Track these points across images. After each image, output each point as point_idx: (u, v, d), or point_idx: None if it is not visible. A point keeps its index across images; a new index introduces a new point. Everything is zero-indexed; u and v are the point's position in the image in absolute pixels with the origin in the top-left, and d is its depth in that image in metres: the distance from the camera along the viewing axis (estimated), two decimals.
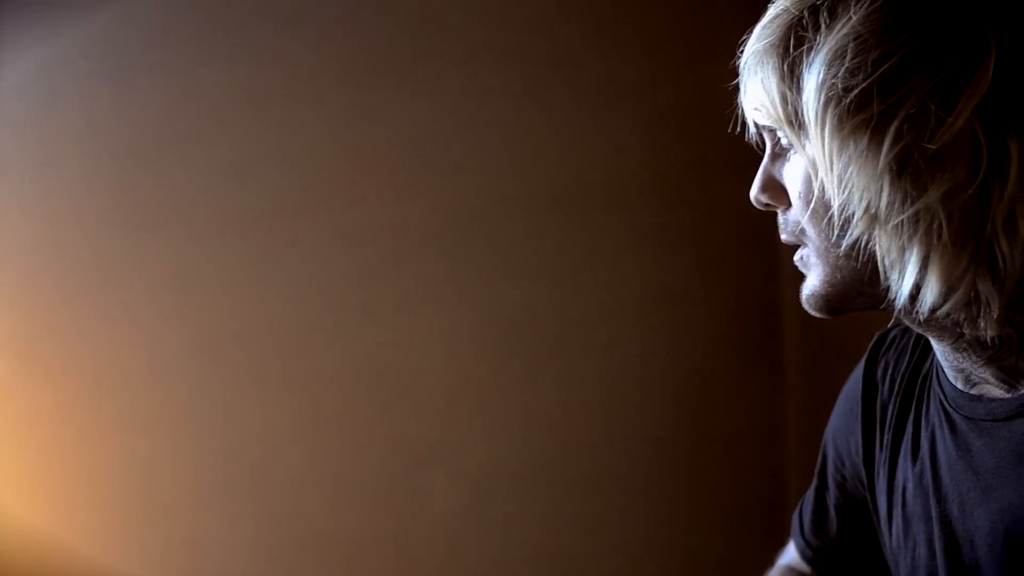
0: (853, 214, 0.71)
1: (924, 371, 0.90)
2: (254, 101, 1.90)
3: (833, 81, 0.70)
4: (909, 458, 0.88)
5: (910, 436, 0.89)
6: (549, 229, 2.07)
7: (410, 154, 1.98)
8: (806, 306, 0.80)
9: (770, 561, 1.14)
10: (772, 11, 0.76)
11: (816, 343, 2.18)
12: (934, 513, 0.84)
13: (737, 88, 0.80)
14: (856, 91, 0.69)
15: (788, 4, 0.75)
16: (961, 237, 0.69)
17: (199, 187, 1.87)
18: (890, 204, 0.70)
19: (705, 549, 2.15)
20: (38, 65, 1.80)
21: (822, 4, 0.73)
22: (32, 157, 1.81)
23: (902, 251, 0.71)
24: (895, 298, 0.73)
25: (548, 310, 2.06)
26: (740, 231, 2.18)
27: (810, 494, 1.07)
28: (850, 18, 0.70)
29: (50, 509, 1.79)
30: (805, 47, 0.72)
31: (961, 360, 0.80)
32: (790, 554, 1.12)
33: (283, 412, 1.90)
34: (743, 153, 0.87)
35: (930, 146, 0.68)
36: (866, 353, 0.97)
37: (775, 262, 2.14)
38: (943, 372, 0.84)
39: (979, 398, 0.80)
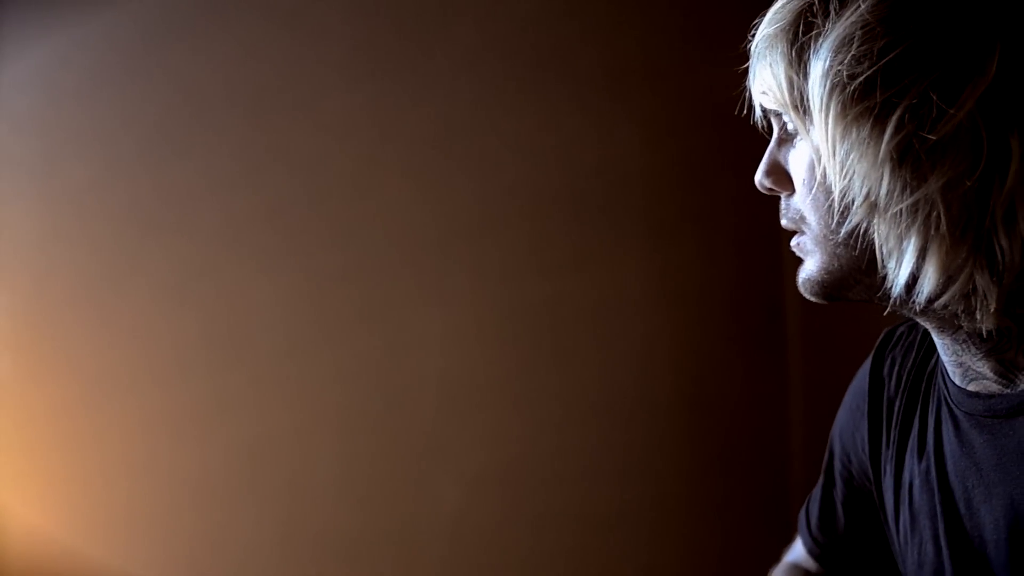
0: (853, 201, 0.72)
1: (930, 367, 0.90)
2: (255, 100, 1.90)
3: (839, 68, 0.71)
4: (915, 454, 0.88)
5: (916, 432, 0.89)
6: (549, 227, 2.06)
7: (410, 154, 1.98)
8: (802, 290, 0.81)
9: (772, 555, 1.14)
10: None
11: (819, 338, 2.16)
12: (939, 509, 0.84)
13: (742, 77, 0.81)
14: (861, 79, 0.70)
15: None
16: (960, 228, 0.70)
17: (201, 186, 1.87)
18: (890, 192, 0.70)
19: (708, 544, 2.15)
20: (40, 63, 1.79)
21: None
22: (34, 155, 1.80)
23: (900, 240, 0.71)
24: (891, 287, 0.74)
25: (548, 308, 2.06)
26: (743, 227, 2.17)
27: (817, 491, 1.07)
28: (859, 6, 0.71)
29: (50, 509, 1.79)
30: (814, 33, 0.73)
31: (960, 353, 0.80)
32: (797, 551, 1.12)
33: (284, 411, 1.90)
34: (744, 149, 0.88)
35: (931, 137, 0.68)
36: (873, 349, 0.97)
37: (778, 258, 2.12)
38: (946, 368, 0.84)
39: (977, 394, 0.80)
